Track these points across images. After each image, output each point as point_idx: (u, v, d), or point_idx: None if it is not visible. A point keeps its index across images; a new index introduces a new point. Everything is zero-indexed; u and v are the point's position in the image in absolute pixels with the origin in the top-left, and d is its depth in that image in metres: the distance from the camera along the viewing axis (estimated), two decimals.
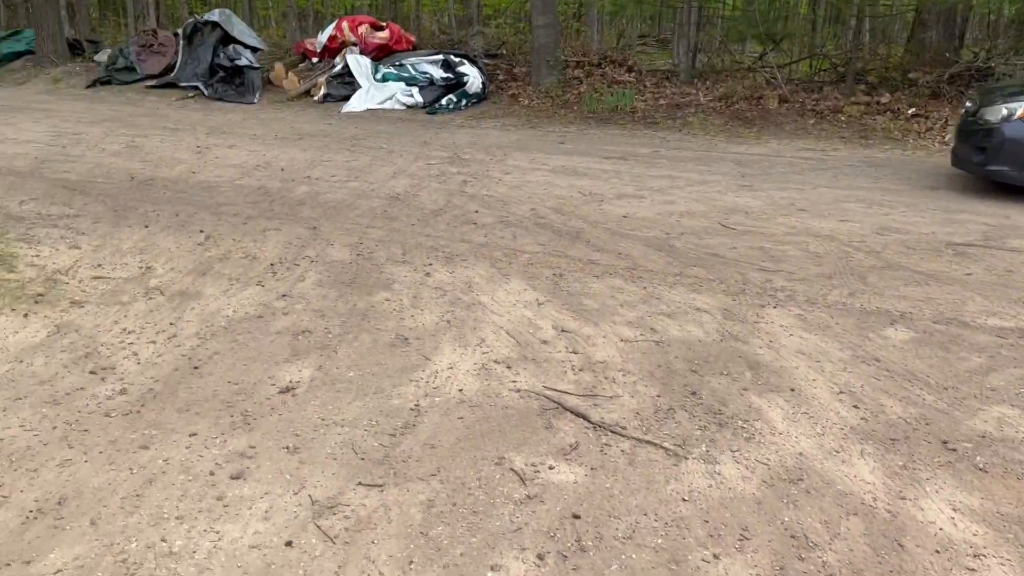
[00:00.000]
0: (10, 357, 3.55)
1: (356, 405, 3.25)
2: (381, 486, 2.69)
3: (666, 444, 2.99)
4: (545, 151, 9.04)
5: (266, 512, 2.54)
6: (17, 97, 12.70)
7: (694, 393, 3.40)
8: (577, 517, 2.56)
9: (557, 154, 8.88)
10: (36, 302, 4.17)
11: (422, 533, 2.46)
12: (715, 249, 5.43)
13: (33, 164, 7.71)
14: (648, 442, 3.00)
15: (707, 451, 2.96)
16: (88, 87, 13.51)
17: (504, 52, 13.75)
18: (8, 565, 2.25)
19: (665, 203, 6.70)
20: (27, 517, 2.47)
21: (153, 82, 13.16)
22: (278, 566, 2.30)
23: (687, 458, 2.91)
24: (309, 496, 2.63)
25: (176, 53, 13.20)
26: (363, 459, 2.86)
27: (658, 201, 6.76)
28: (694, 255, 5.29)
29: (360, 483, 2.71)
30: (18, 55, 14.95)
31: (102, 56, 14.44)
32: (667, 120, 10.73)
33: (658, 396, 3.36)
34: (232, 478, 2.71)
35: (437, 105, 11.49)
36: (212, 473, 2.73)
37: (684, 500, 2.67)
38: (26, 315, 4.00)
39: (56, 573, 2.23)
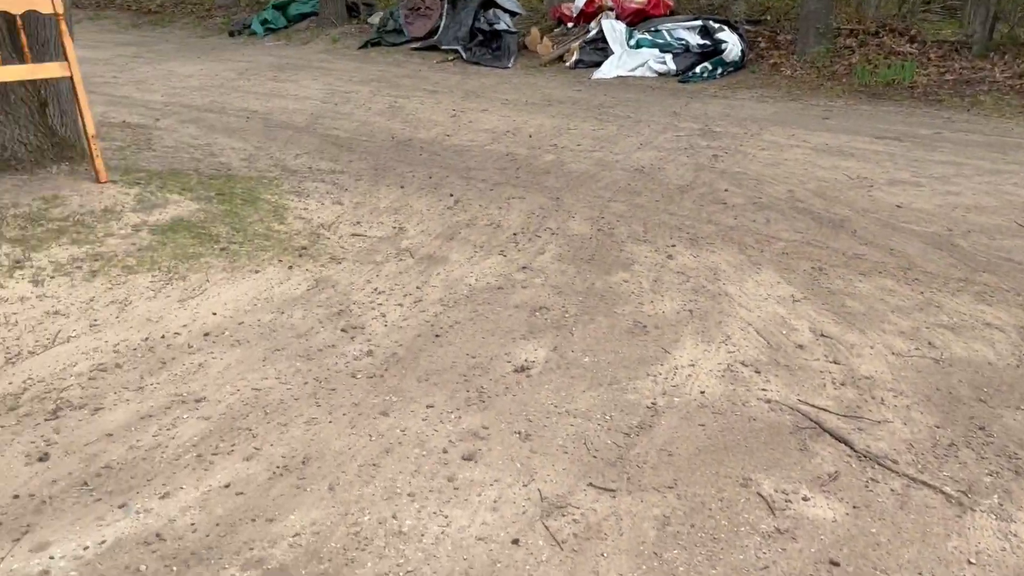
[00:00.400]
0: (273, 307, 3.74)
1: (590, 395, 3.07)
2: (613, 491, 2.50)
3: (947, 488, 2.53)
4: (807, 126, 8.30)
5: (495, 502, 2.44)
6: (301, 56, 13.78)
7: (983, 428, 2.87)
8: (836, 564, 2.21)
9: (820, 130, 8.11)
10: (300, 255, 4.40)
11: (656, 554, 2.24)
12: (1010, 253, 4.64)
13: (309, 120, 8.27)
14: (924, 483, 2.55)
15: (999, 504, 2.47)
16: (360, 48, 14.38)
17: (768, 18, 12.84)
18: (253, 520, 2.32)
19: (948, 194, 5.86)
20: (274, 472, 2.54)
21: (417, 44, 13.74)
22: (503, 565, 2.19)
23: (974, 509, 2.44)
24: (539, 491, 2.49)
25: (440, 16, 13.67)
26: (595, 457, 2.68)
27: (939, 191, 5.94)
28: (983, 258, 4.55)
29: (591, 484, 2.53)
30: (304, 16, 16.22)
31: (375, 19, 15.30)
32: (953, 98, 9.47)
33: (937, 427, 2.87)
34: (464, 459, 2.64)
35: (690, 73, 10.96)
36: (445, 451, 2.68)
37: (970, 563, 2.23)
38: (291, 267, 4.22)
39: (294, 536, 2.26)
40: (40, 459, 2.55)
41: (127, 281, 3.87)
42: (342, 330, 3.55)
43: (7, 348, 3.22)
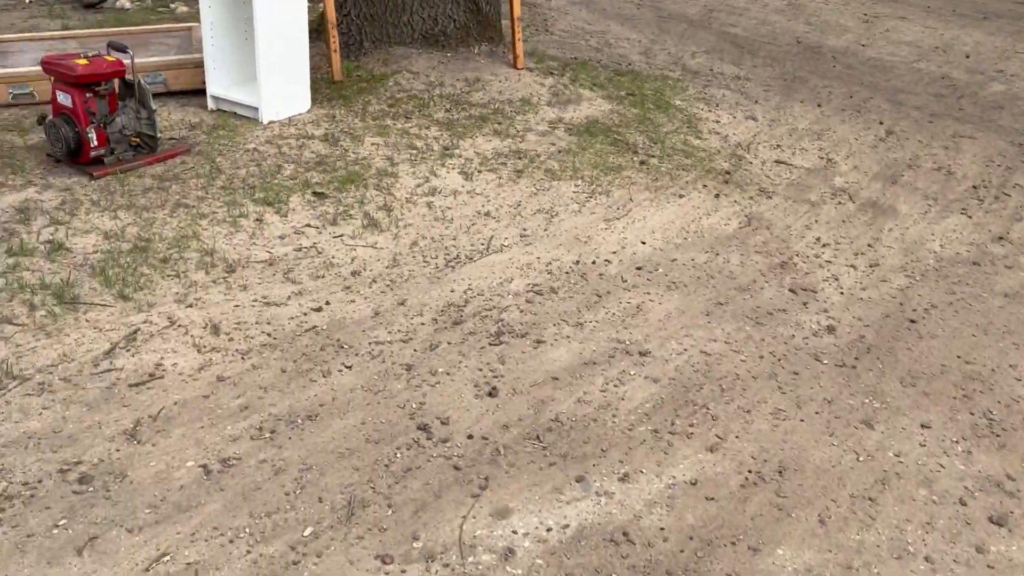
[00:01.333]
0: (705, 245, 3.21)
1: None
2: None
3: None
4: None
5: None
6: None
7: None
8: None
9: None
10: (725, 181, 3.80)
11: None
12: None
13: (702, 12, 7.46)
14: None
15: None
16: None
17: None
18: (733, 544, 1.86)
19: None
20: (746, 478, 2.06)
21: None
22: None
23: None
24: None
25: None
26: None
27: None
28: None
29: None
30: None
31: None
32: None
33: None
34: (992, 522, 1.97)
35: None
36: (963, 502, 2.02)
37: None
38: (717, 196, 3.65)
39: None
40: (489, 394, 2.29)
41: (551, 188, 3.55)
42: (790, 290, 2.94)
43: (446, 248, 3.03)
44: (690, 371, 2.45)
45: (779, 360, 2.53)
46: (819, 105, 5.09)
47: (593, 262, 3.01)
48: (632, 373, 2.42)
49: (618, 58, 5.69)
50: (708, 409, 2.29)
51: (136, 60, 3.64)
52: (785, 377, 2.45)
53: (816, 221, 3.50)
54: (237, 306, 2.58)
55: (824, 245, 3.30)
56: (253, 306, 2.59)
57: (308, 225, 3.08)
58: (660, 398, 2.33)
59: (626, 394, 2.33)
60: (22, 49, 4.37)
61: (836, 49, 6.47)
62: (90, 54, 3.26)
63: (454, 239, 3.09)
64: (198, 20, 5.39)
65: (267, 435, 2.09)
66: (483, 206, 3.35)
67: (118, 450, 2.00)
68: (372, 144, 3.75)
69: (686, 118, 4.54)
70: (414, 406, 2.23)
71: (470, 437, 2.14)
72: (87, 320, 2.45)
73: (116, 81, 3.35)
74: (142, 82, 3.38)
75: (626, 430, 2.19)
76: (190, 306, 2.56)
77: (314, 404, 2.21)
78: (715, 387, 2.39)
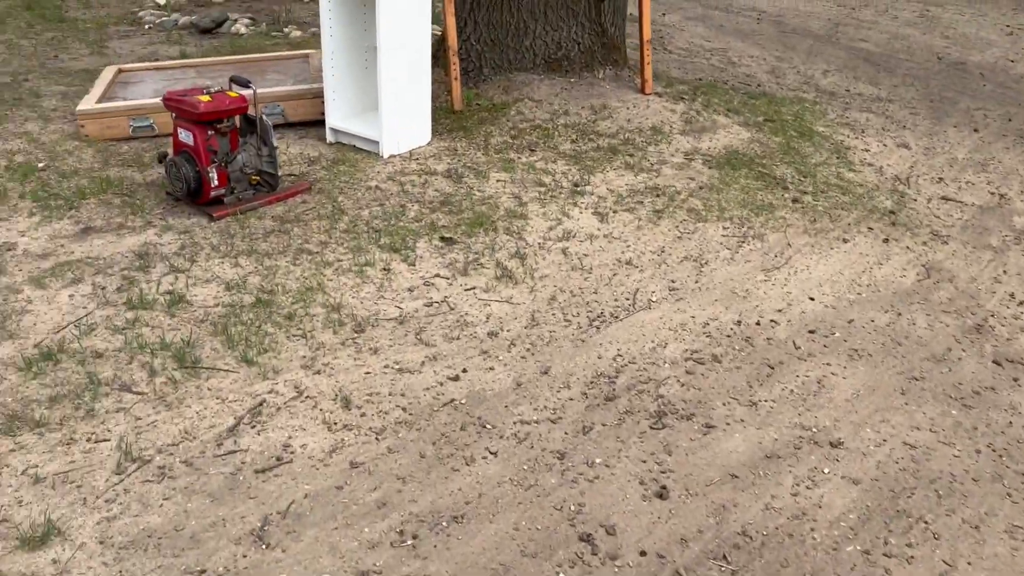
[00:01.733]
0: (883, 302, 2.76)
1: None
2: None
3: None
4: None
5: None
6: None
7: None
8: None
9: None
10: (891, 223, 3.32)
11: None
12: None
13: (827, 27, 6.90)
14: None
15: None
16: None
17: None
18: None
19: None
20: None
21: None
22: None
23: None
24: None
25: None
26: None
27: None
28: None
29: None
30: None
31: None
32: None
33: None
34: None
35: None
36: None
37: None
38: (886, 240, 3.18)
39: None
40: (658, 495, 1.93)
41: (696, 230, 3.16)
42: (994, 362, 2.47)
43: (587, 303, 2.68)
44: (895, 469, 2.02)
45: (1000, 456, 2.08)
46: (976, 130, 4.53)
47: (757, 323, 2.61)
48: (826, 471, 2.01)
49: (744, 78, 5.24)
50: (927, 523, 1.87)
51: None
52: (1013, 480, 2.00)
53: (1005, 272, 3.00)
54: (368, 373, 2.29)
55: (1020, 303, 2.80)
56: (385, 373, 2.29)
57: (437, 275, 2.78)
58: (865, 506, 1.91)
59: (823, 500, 1.93)
60: (142, 79, 4.25)
61: (982, 66, 5.84)
62: (213, 89, 3.06)
63: (595, 292, 2.74)
64: (312, 45, 5.23)
65: (409, 541, 1.78)
66: (623, 252, 2.98)
67: (245, 556, 1.73)
68: (498, 181, 3.44)
69: (833, 147, 4.07)
70: (572, 508, 1.88)
71: (643, 553, 1.78)
72: (209, 388, 2.21)
73: (238, 117, 3.14)
74: (264, 118, 3.16)
75: (830, 550, 1.79)
76: (318, 372, 2.28)
77: (459, 501, 1.89)
78: (929, 492, 1.96)
